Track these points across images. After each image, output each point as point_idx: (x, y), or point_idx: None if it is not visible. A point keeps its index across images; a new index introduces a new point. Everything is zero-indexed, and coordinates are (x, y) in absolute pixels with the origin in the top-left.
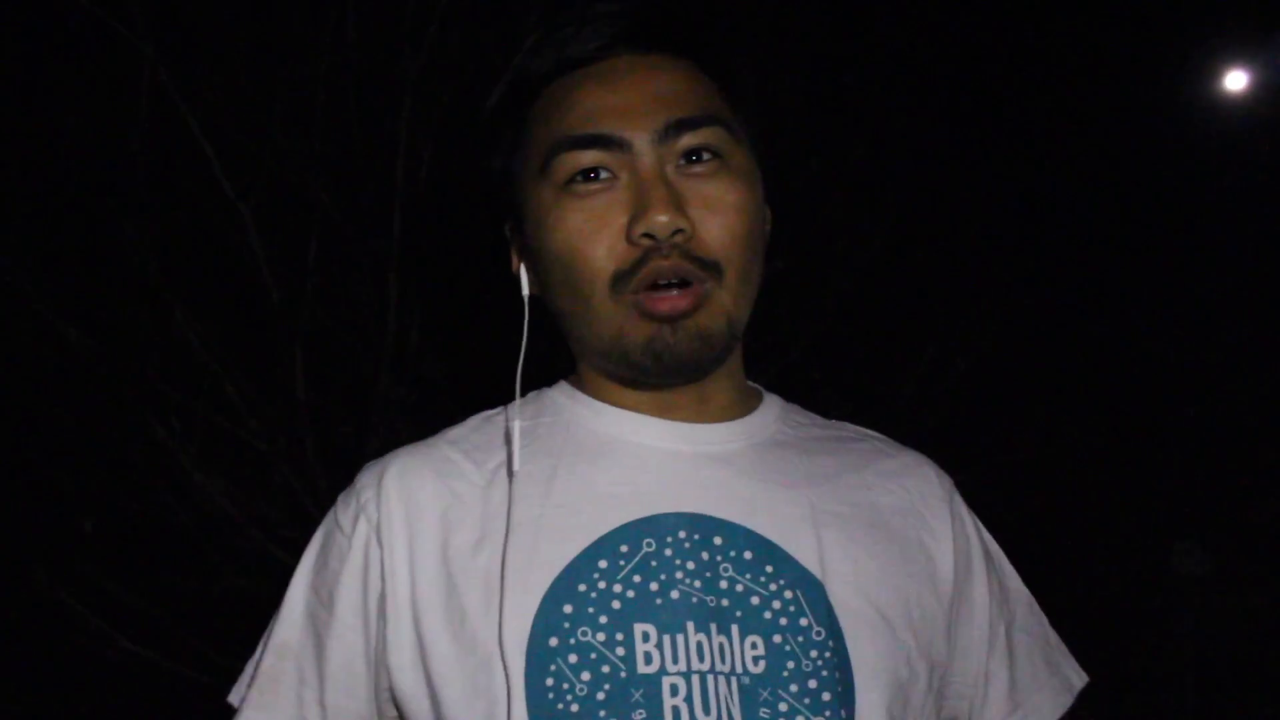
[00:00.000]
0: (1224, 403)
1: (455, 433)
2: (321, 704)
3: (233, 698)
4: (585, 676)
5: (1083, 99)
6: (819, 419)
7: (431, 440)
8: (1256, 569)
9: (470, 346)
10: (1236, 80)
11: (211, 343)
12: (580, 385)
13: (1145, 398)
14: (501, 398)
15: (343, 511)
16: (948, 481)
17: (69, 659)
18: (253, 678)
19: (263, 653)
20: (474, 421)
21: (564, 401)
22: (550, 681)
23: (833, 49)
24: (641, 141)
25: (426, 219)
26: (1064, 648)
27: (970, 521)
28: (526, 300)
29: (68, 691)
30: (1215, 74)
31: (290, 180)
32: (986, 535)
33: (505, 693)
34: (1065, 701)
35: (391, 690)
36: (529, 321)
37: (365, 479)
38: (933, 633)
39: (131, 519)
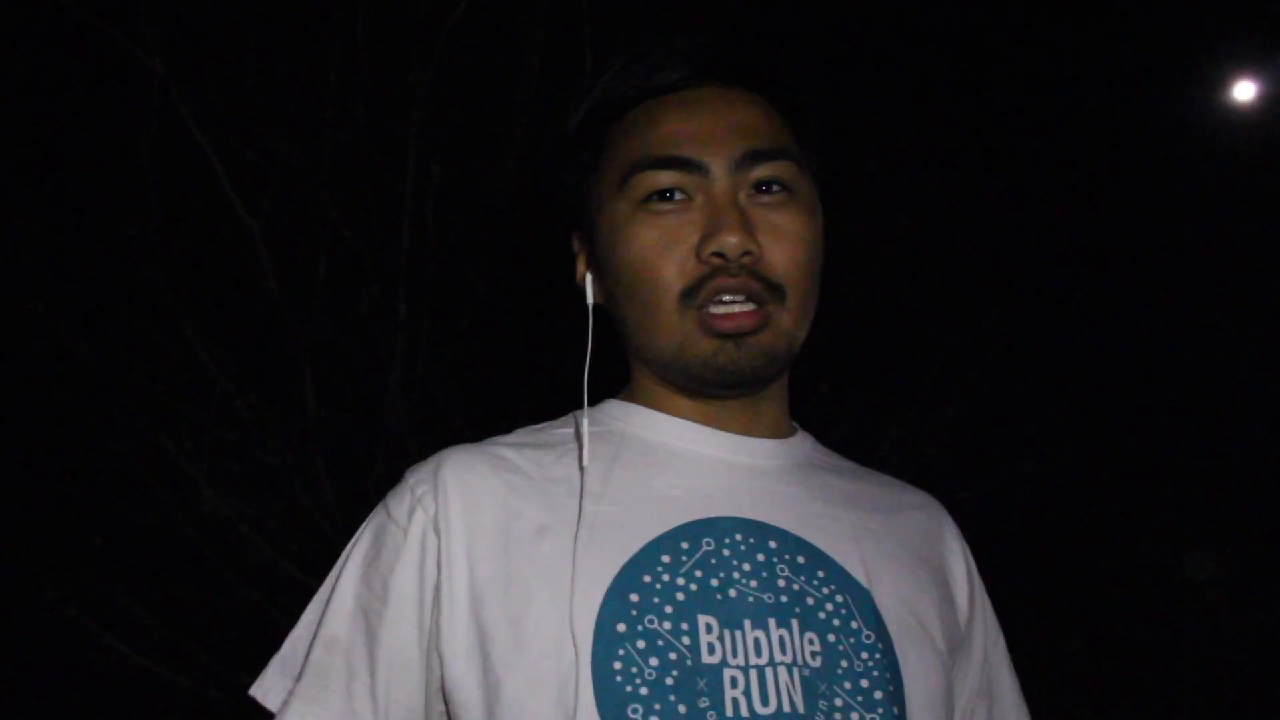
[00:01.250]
0: (1236, 411)
1: (505, 438)
2: (372, 695)
3: (262, 692)
4: (654, 662)
5: (1091, 111)
6: (840, 456)
7: (482, 442)
8: (1269, 578)
9: (479, 362)
10: (1245, 90)
11: (221, 358)
12: (632, 398)
13: (1156, 407)
14: (515, 415)
15: (395, 506)
16: (955, 525)
17: (79, 673)
18: (300, 671)
19: (310, 646)
20: (522, 431)
21: (618, 412)
22: (618, 665)
23: (840, 60)
24: (718, 167)
25: (435, 234)
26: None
27: (974, 564)
28: (591, 308)
29: (78, 706)
30: (1223, 84)
31: (299, 195)
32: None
33: (574, 675)
34: None
35: (443, 679)
36: (592, 330)
37: (418, 475)
38: (954, 656)
39: (141, 534)
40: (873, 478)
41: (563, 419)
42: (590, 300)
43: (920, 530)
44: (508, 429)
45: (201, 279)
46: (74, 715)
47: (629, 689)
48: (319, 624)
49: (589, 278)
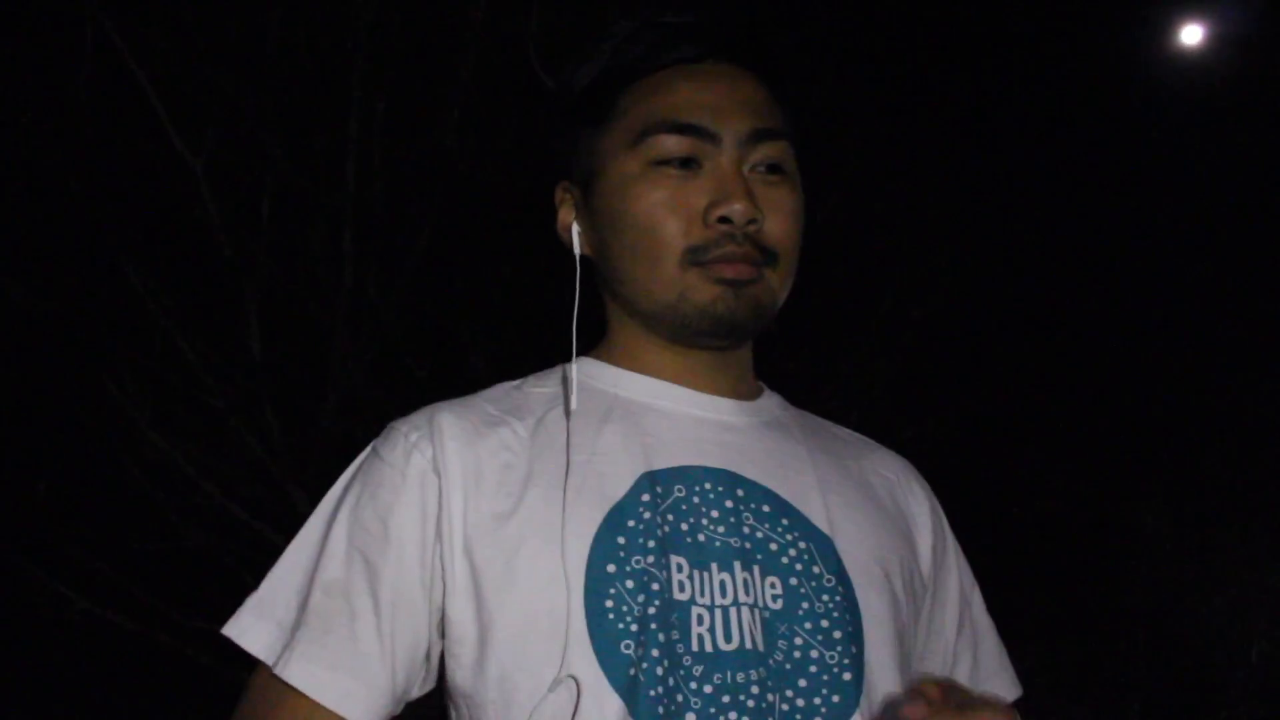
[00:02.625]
0: (1185, 359)
1: (488, 393)
2: (378, 632)
3: (238, 631)
4: (640, 599)
5: (1040, 54)
6: (810, 414)
7: (464, 398)
8: (1213, 527)
9: (429, 301)
10: (1192, 34)
11: (164, 300)
12: (610, 356)
13: (1103, 351)
14: (466, 354)
15: (388, 451)
16: (923, 480)
17: (26, 621)
18: (298, 619)
19: (305, 592)
20: (499, 388)
21: (596, 371)
22: (610, 604)
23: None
24: (730, 138)
25: (382, 172)
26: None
27: (943, 517)
28: (578, 258)
29: (27, 655)
30: (1171, 28)
31: (243, 135)
32: (953, 534)
33: (566, 614)
34: (1014, 694)
35: (442, 616)
36: (579, 282)
37: (410, 424)
38: (918, 603)
39: (88, 481)
40: (840, 433)
41: (538, 376)
42: (578, 251)
43: (884, 482)
44: (459, 369)
45: (144, 220)
46: (23, 664)
47: (621, 626)
48: (314, 570)
49: (575, 229)
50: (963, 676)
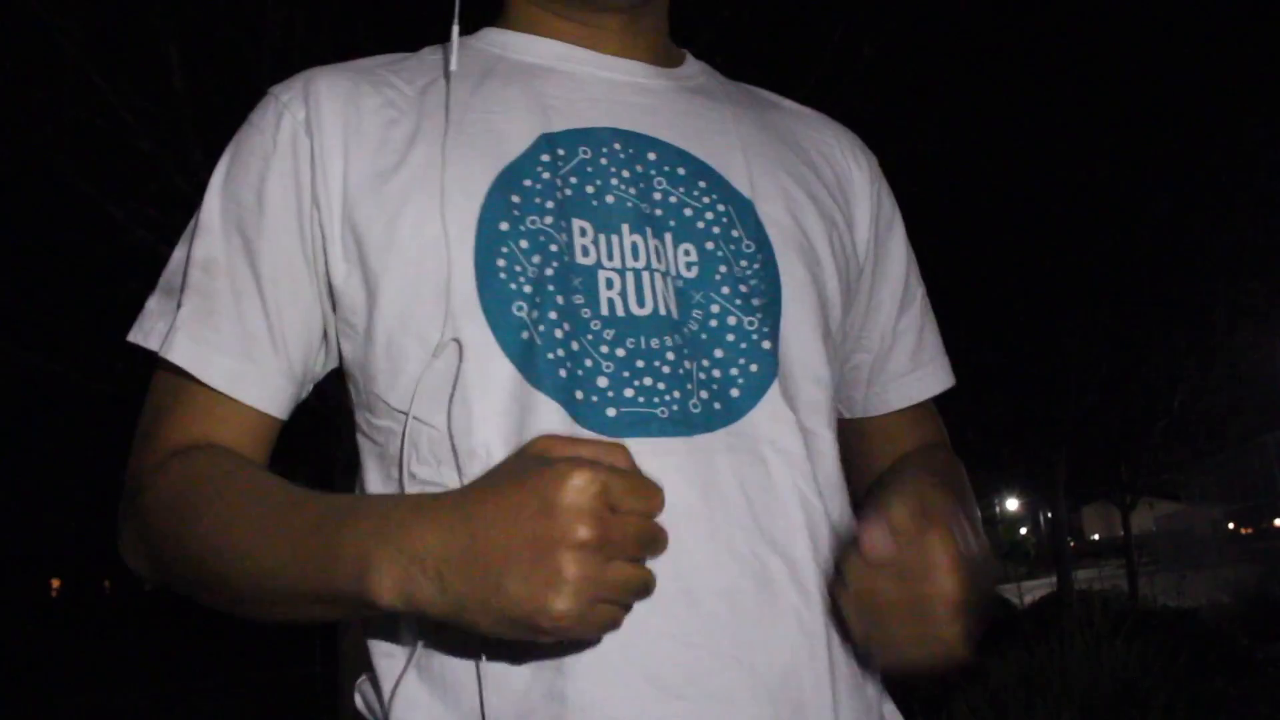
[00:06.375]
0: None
1: (375, 58)
2: (264, 311)
3: (142, 335)
4: (536, 259)
5: None
6: (741, 83)
7: (347, 62)
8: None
9: (360, 26)
10: None
11: (76, 35)
12: (508, 25)
13: (1055, 92)
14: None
15: (259, 118)
16: (868, 151)
17: None
18: (180, 300)
19: (185, 274)
20: (393, 55)
21: (495, 35)
22: (502, 264)
23: None
24: None
25: None
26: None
27: (888, 192)
28: None
29: None
30: None
31: None
32: (900, 215)
33: (454, 273)
34: (947, 382)
35: (330, 285)
36: None
37: (281, 87)
38: (849, 273)
39: (18, 232)
40: (780, 101)
41: (433, 47)
42: None
43: (820, 148)
44: None
45: None
46: None
47: (513, 286)
48: (190, 250)
49: None
50: (903, 355)
